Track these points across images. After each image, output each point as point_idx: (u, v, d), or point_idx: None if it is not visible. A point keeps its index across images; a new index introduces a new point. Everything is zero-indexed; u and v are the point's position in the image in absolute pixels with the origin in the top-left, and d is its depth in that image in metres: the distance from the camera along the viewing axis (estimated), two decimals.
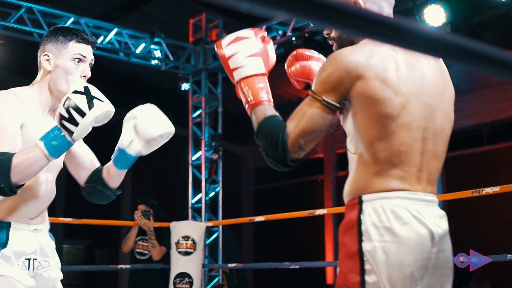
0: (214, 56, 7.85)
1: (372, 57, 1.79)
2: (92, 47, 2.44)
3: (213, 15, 8.06)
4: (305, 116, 1.83)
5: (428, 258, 1.78)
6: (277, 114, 1.92)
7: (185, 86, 8.12)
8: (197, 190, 7.52)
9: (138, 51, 7.55)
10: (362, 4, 1.92)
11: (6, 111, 2.24)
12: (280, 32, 7.48)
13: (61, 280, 2.50)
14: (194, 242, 6.27)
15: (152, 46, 7.85)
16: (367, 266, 1.73)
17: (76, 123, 2.13)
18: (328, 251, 13.00)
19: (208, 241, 6.86)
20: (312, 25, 6.93)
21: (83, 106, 2.13)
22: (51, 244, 2.47)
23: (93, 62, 2.44)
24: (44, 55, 2.39)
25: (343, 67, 1.79)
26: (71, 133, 2.14)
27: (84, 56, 2.38)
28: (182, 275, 6.18)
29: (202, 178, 7.48)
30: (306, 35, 7.15)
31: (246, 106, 1.95)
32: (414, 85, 1.82)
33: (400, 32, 0.88)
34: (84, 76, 2.38)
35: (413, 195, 1.79)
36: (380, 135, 1.79)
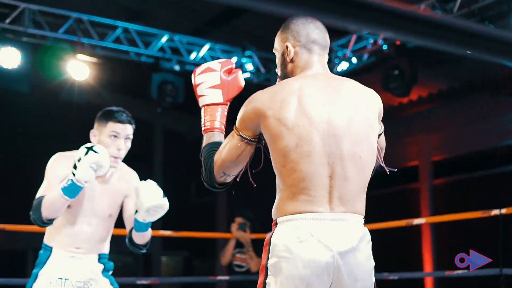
0: None
1: (273, 98, 2.11)
2: (130, 124, 3.07)
3: None
4: (227, 148, 2.18)
5: (327, 272, 2.01)
6: (221, 141, 2.27)
7: None
8: None
9: None
10: (292, 50, 2.25)
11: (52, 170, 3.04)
12: (371, 41, 7.42)
13: None
14: None
15: (244, 60, 7.94)
16: (269, 279, 2.05)
17: (76, 168, 2.79)
18: (426, 261, 12.72)
19: None
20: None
21: (82, 156, 2.78)
22: (95, 269, 3.08)
23: (130, 136, 3.08)
24: (91, 133, 3.08)
25: (253, 108, 2.13)
26: (74, 176, 2.79)
27: (118, 133, 3.03)
28: None
29: None
30: (398, 42, 7.07)
31: (202, 128, 2.34)
32: (316, 119, 2.07)
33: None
34: (119, 150, 3.02)
35: (319, 215, 2.03)
36: (284, 164, 2.07)
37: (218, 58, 7.86)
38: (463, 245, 11.75)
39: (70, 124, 12.58)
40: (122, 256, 15.25)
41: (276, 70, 2.36)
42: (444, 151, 12.43)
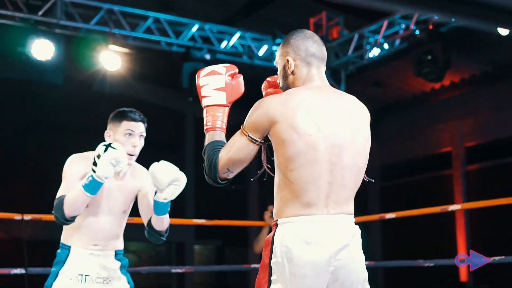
0: (336, 54, 7.82)
1: (286, 105, 2.26)
2: (143, 122, 3.21)
3: (333, 13, 8.02)
4: (234, 146, 2.33)
5: (325, 270, 2.21)
6: (222, 140, 2.42)
7: None
8: None
9: (260, 53, 7.65)
10: (292, 63, 2.41)
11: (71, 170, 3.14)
12: (403, 26, 7.35)
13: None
14: None
15: (274, 48, 7.93)
16: (273, 277, 2.22)
17: (96, 165, 2.89)
18: (461, 248, 12.62)
19: None
20: (436, 17, 6.77)
21: (101, 153, 2.88)
22: (113, 265, 3.19)
23: (144, 134, 3.21)
24: (105, 133, 3.19)
25: (264, 113, 2.28)
26: (95, 172, 2.90)
27: (133, 131, 3.16)
28: None
29: None
30: (431, 27, 6.98)
31: (204, 128, 2.48)
32: (323, 129, 2.25)
33: None
34: (134, 147, 3.15)
35: (317, 218, 2.23)
36: (290, 168, 2.24)
37: (249, 46, 7.86)
38: (497, 231, 11.65)
39: (102, 116, 12.64)
40: (156, 245, 15.36)
41: (278, 81, 2.54)
42: (477, 136, 12.30)
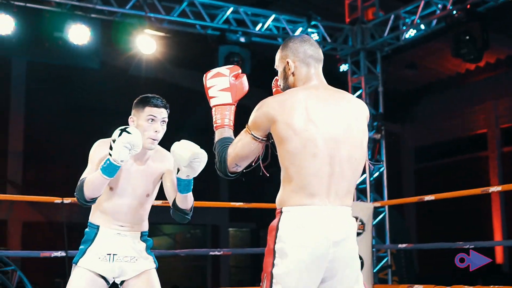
0: (371, 35, 7.75)
1: (283, 105, 2.45)
2: (165, 108, 3.28)
3: None
4: (240, 143, 2.54)
5: (325, 256, 2.37)
6: (231, 136, 2.65)
7: (343, 67, 8.08)
8: None
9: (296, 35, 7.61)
10: (292, 65, 2.60)
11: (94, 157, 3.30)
12: (439, 6, 7.26)
13: (155, 268, 3.36)
14: (362, 223, 6.25)
15: (309, 30, 7.89)
16: (276, 261, 2.38)
17: (112, 149, 3.01)
18: (496, 230, 12.52)
19: (374, 222, 6.80)
20: None
21: (116, 137, 2.99)
22: (139, 246, 3.33)
23: (166, 119, 3.29)
24: (129, 119, 3.28)
25: (265, 112, 2.48)
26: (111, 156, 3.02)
27: (155, 117, 3.24)
28: None
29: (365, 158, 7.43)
30: (468, 6, 6.88)
31: (214, 125, 2.70)
32: (320, 125, 2.43)
33: None
34: (156, 132, 3.24)
35: (318, 208, 2.39)
36: (291, 163, 2.42)
37: (284, 28, 7.83)
38: None
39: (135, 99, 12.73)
40: (191, 228, 15.50)
41: (278, 83, 2.75)
42: None
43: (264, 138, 2.53)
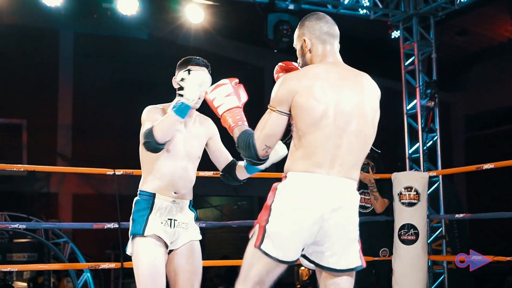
0: (424, 0, 7.53)
1: (303, 78, 2.63)
2: (206, 68, 3.38)
3: None
4: (267, 124, 2.67)
5: (319, 221, 2.54)
6: (249, 129, 2.77)
7: (395, 34, 7.89)
8: (413, 140, 7.33)
9: (346, 1, 7.43)
10: (309, 43, 2.76)
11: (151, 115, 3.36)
12: None
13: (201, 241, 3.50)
14: (417, 193, 6.12)
15: None
16: (271, 217, 2.55)
17: (182, 89, 3.10)
18: None
19: (428, 191, 6.65)
20: None
21: (185, 76, 3.10)
22: (189, 214, 3.43)
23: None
24: (173, 80, 3.35)
25: (285, 87, 2.64)
26: (182, 96, 3.10)
27: None
28: (407, 227, 6.07)
29: (418, 127, 7.26)
30: None
31: (229, 130, 2.83)
32: (334, 98, 2.59)
33: None
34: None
35: (321, 176, 2.56)
36: (304, 132, 2.59)
37: None
38: None
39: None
40: (238, 199, 15.52)
41: (298, 61, 2.88)
42: None
43: (288, 112, 2.66)
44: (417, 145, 7.25)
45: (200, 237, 3.50)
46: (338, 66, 2.73)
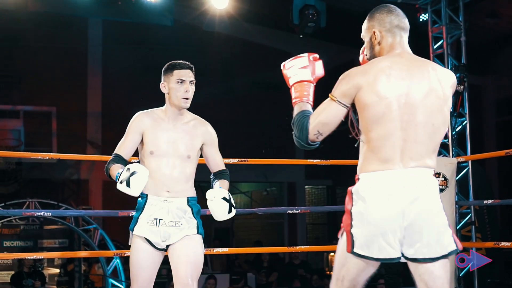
0: None
1: (368, 74, 2.63)
2: (191, 70, 3.64)
3: None
4: (324, 111, 2.68)
5: (400, 218, 2.54)
6: (309, 110, 2.76)
7: (423, 17, 7.78)
8: None
9: None
10: (379, 35, 2.77)
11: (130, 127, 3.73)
12: None
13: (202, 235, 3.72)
14: (445, 179, 6.05)
15: None
16: (354, 222, 2.59)
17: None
18: None
19: (457, 177, 6.56)
20: None
21: (123, 180, 3.43)
22: (185, 210, 3.64)
23: (194, 80, 3.63)
24: (161, 85, 3.70)
25: (351, 81, 2.65)
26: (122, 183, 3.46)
27: (183, 79, 3.60)
28: None
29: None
30: None
31: (293, 101, 2.81)
32: (397, 92, 2.60)
33: None
34: (186, 91, 3.60)
35: (392, 172, 2.58)
36: (370, 128, 2.61)
37: None
38: None
39: (213, 58, 12.72)
40: (267, 186, 15.53)
41: (365, 53, 2.87)
42: None
43: (348, 106, 2.69)
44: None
45: (195, 232, 3.68)
46: (403, 57, 2.72)
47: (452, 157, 6.78)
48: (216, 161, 3.83)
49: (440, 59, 7.32)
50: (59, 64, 12.76)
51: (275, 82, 13.93)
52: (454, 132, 7.09)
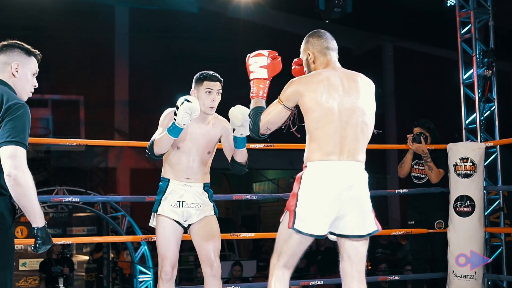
0: None
1: (309, 83, 3.22)
2: (219, 82, 4.11)
3: None
4: (272, 112, 3.33)
5: (338, 199, 3.12)
6: (263, 106, 3.42)
7: (451, 1, 7.68)
8: (470, 110, 7.15)
9: None
10: (312, 56, 3.40)
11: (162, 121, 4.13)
12: None
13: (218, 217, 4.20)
14: (473, 164, 5.99)
15: None
16: (299, 202, 3.13)
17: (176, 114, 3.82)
18: None
19: (485, 163, 6.50)
20: None
21: (179, 105, 3.79)
22: (202, 195, 4.13)
23: (220, 91, 4.10)
24: (191, 92, 4.09)
25: (294, 89, 3.25)
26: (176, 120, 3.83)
27: (212, 89, 4.07)
28: (463, 198, 5.94)
29: (475, 97, 7.08)
30: None
31: (251, 95, 3.47)
32: (336, 98, 3.18)
33: None
34: (213, 101, 4.06)
35: (334, 162, 3.15)
36: (315, 128, 3.18)
37: None
38: None
39: (239, 45, 12.70)
40: (294, 173, 15.49)
41: (305, 70, 3.48)
42: None
43: (291, 108, 3.29)
44: (473, 115, 7.07)
45: (212, 213, 4.16)
46: (337, 70, 3.31)
47: (480, 142, 6.72)
48: (233, 146, 4.15)
49: (468, 44, 7.24)
50: (86, 53, 12.83)
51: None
52: (482, 118, 7.01)
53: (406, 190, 6.19)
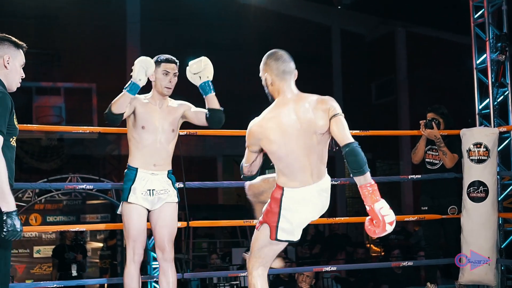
0: None
1: (262, 128, 3.54)
2: (175, 64, 4.44)
3: None
4: (246, 157, 3.70)
5: (311, 217, 3.66)
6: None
7: None
8: (483, 95, 7.11)
9: None
10: (269, 79, 3.62)
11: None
12: None
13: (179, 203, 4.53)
14: (487, 149, 5.96)
15: None
16: (281, 220, 3.55)
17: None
18: None
19: (499, 148, 6.46)
20: None
21: (135, 62, 4.16)
22: (167, 181, 4.41)
23: (177, 73, 4.44)
24: (151, 76, 4.35)
25: (252, 137, 3.60)
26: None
27: (169, 71, 4.41)
28: (476, 184, 5.92)
29: (488, 82, 7.03)
30: None
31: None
32: (290, 132, 3.49)
33: None
34: (170, 82, 4.41)
35: (307, 187, 3.53)
36: (280, 162, 3.55)
37: None
38: None
39: (248, 31, 12.69)
40: None
41: (266, 91, 3.71)
42: None
43: (258, 150, 3.64)
44: (487, 100, 7.03)
45: (175, 200, 4.47)
46: (289, 100, 3.56)
47: (494, 127, 6.68)
48: (202, 111, 4.50)
49: (481, 28, 7.19)
50: (98, 40, 12.85)
51: (312, 55, 13.87)
52: (495, 103, 6.97)
53: (419, 176, 6.17)
